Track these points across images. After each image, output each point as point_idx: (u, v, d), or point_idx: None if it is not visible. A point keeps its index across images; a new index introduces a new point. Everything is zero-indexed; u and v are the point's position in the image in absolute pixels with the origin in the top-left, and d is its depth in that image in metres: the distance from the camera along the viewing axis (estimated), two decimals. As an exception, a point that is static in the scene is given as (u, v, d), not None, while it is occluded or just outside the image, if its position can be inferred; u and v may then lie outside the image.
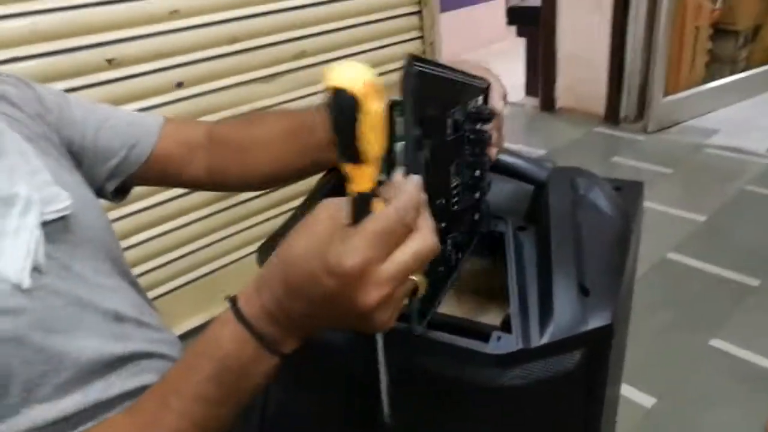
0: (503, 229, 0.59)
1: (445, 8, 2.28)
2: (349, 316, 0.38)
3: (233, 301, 0.41)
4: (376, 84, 0.34)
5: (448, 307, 0.62)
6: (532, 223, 0.59)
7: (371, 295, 0.36)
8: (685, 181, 2.38)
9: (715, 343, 1.53)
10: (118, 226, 0.62)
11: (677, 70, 2.79)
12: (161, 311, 0.63)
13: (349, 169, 0.36)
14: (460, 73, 0.53)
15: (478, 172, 0.55)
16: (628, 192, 0.68)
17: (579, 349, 0.48)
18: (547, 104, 3.09)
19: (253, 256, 0.60)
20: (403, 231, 0.37)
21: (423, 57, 0.45)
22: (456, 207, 0.52)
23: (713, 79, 2.94)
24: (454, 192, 0.52)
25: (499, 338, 0.48)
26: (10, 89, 0.58)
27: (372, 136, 0.35)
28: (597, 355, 0.50)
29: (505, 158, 0.63)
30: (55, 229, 0.50)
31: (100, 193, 0.67)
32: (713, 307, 1.67)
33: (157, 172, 0.68)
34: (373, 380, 0.44)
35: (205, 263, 1.62)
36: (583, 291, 0.50)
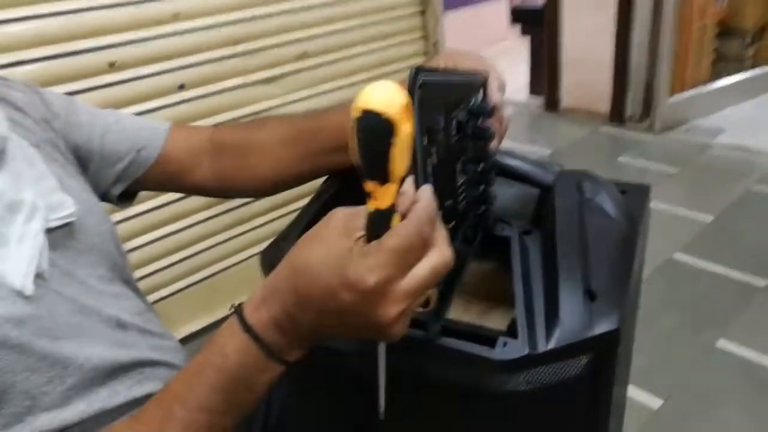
0: (509, 233, 0.58)
1: (448, 8, 2.28)
2: (365, 328, 0.38)
3: (239, 310, 0.41)
4: (409, 106, 0.34)
5: (455, 312, 0.62)
6: (538, 227, 0.59)
7: (390, 310, 0.36)
8: (691, 181, 2.36)
9: (722, 343, 1.52)
10: (118, 230, 0.62)
11: (683, 69, 2.78)
12: (162, 315, 0.63)
13: (372, 187, 0.36)
14: (459, 74, 0.53)
15: (481, 166, 0.55)
16: (635, 195, 0.67)
17: (586, 354, 0.48)
18: (552, 104, 3.08)
19: (254, 259, 0.60)
20: (421, 246, 0.37)
21: (424, 67, 0.46)
22: (463, 203, 0.52)
23: (719, 78, 2.92)
24: (460, 190, 0.52)
25: (505, 344, 0.48)
26: (16, 94, 0.59)
27: (400, 157, 0.35)
28: (604, 360, 0.49)
29: (511, 161, 0.63)
30: (59, 235, 0.50)
31: (105, 198, 0.67)
32: (720, 307, 1.66)
33: (163, 177, 0.68)
34: (372, 378, 0.44)
35: (206, 266, 1.61)
36: (590, 295, 0.50)
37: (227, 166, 0.70)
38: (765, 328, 1.56)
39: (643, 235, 0.65)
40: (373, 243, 0.36)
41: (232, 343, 0.40)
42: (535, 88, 3.20)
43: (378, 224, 0.37)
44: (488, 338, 0.48)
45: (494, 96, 0.60)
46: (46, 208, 0.49)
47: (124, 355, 0.52)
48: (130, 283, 0.60)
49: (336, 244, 0.37)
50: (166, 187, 0.71)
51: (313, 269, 0.37)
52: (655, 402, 1.37)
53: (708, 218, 2.06)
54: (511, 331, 0.49)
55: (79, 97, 0.68)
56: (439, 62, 0.64)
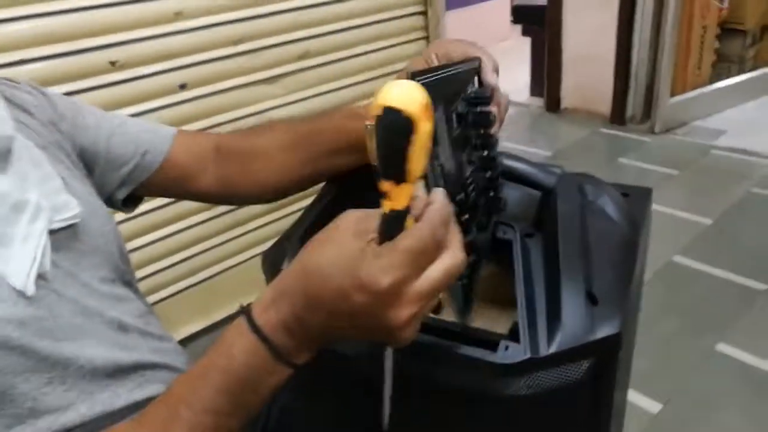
0: (511, 236, 0.58)
1: (450, 7, 2.28)
2: (376, 330, 0.37)
3: (247, 311, 0.40)
4: (429, 105, 0.34)
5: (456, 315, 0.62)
6: (540, 230, 0.59)
7: (403, 312, 0.36)
8: (691, 183, 2.36)
9: (722, 347, 1.52)
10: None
11: (684, 70, 2.78)
12: (162, 316, 0.63)
13: (388, 187, 0.35)
14: (452, 66, 0.53)
15: (486, 152, 0.55)
16: (636, 198, 0.67)
17: (587, 358, 0.48)
18: (553, 104, 3.08)
19: (254, 261, 0.60)
20: (435, 248, 0.36)
21: (420, 70, 0.46)
22: (473, 194, 0.52)
23: (720, 79, 2.92)
24: (469, 181, 0.52)
25: (507, 347, 0.48)
26: (24, 96, 0.59)
27: (419, 156, 0.34)
28: (605, 365, 0.49)
29: (513, 164, 0.63)
30: (62, 237, 0.50)
31: (110, 201, 0.67)
32: (720, 311, 1.66)
33: (168, 182, 0.68)
34: (378, 386, 0.44)
35: (206, 267, 1.61)
36: (592, 299, 0.50)
37: (231, 172, 0.70)
38: (765, 332, 1.56)
39: (645, 238, 0.65)
40: (387, 244, 0.36)
41: (240, 344, 0.40)
42: (536, 88, 3.20)
43: (392, 225, 0.36)
44: (490, 342, 0.48)
45: (490, 79, 0.60)
46: (50, 208, 0.49)
47: (125, 357, 0.52)
48: (131, 285, 0.60)
49: (348, 246, 0.37)
50: (170, 193, 0.71)
51: (324, 271, 0.37)
52: (654, 406, 1.37)
53: (708, 221, 2.06)
54: (513, 335, 0.49)
55: (80, 97, 0.68)
56: (431, 53, 0.64)
